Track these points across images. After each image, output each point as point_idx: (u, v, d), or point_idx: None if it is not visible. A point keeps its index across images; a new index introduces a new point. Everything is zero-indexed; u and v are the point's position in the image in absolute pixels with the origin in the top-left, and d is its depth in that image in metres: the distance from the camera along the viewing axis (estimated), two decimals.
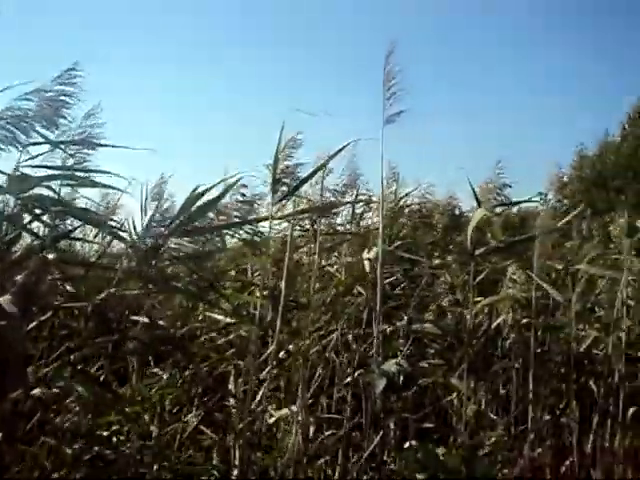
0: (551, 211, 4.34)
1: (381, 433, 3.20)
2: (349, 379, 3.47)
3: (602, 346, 4.06)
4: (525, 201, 4.48)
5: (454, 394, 3.61)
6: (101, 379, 2.64)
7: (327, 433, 3.31)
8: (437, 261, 4.22)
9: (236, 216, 3.15)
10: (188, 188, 2.70)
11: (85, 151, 2.54)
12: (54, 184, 2.52)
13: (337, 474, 3.22)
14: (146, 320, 2.58)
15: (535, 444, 3.68)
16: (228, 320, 3.18)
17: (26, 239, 2.55)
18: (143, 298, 2.79)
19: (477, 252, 3.57)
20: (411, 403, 3.58)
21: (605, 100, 28.75)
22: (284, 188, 3.04)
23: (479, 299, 3.68)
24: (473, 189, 3.68)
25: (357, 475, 3.15)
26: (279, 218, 3.14)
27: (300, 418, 3.06)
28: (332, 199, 3.75)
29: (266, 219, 3.02)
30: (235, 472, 2.93)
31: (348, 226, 4.33)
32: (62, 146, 2.52)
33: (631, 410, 3.82)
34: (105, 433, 2.73)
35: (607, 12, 28.72)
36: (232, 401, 3.09)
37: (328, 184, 3.73)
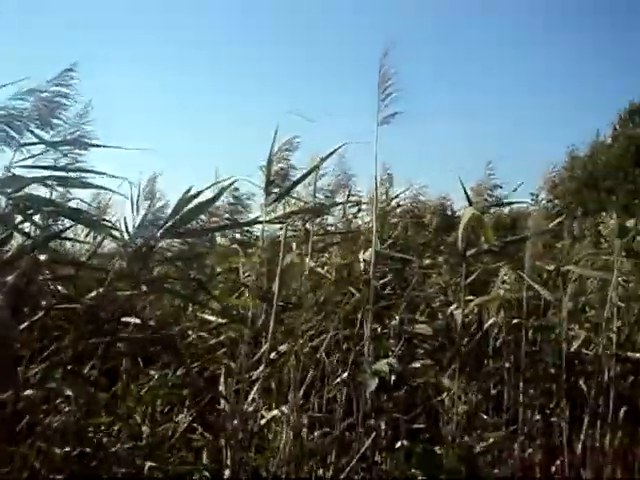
0: (543, 211, 4.35)
1: (373, 433, 3.20)
2: (340, 379, 3.47)
3: (592, 346, 4.09)
4: (516, 202, 4.51)
5: (445, 394, 3.62)
6: (92, 379, 2.63)
7: (318, 433, 3.32)
8: (428, 261, 4.23)
9: (227, 218, 3.14)
10: (183, 188, 2.70)
11: (78, 151, 2.53)
12: (47, 184, 2.52)
13: (328, 474, 3.22)
14: (137, 321, 2.57)
15: (525, 444, 3.69)
16: (219, 320, 3.18)
17: (17, 239, 2.54)
18: (135, 299, 2.79)
19: (469, 253, 3.58)
20: (402, 403, 3.58)
21: (605, 100, 28.85)
22: (277, 190, 3.04)
23: (470, 298, 3.70)
24: (465, 190, 3.70)
25: (349, 475, 3.15)
26: (271, 222, 3.14)
27: (292, 418, 3.07)
28: (324, 200, 3.75)
29: (258, 222, 3.03)
30: (227, 472, 2.93)
31: (340, 225, 4.34)
32: (56, 146, 2.50)
33: (622, 410, 3.85)
34: (96, 434, 2.72)
35: (607, 12, 28.83)
36: (223, 402, 3.08)
37: (322, 185, 3.74)
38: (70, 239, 3.14)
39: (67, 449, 2.47)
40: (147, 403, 3.08)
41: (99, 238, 3.17)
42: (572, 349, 3.97)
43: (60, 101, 2.44)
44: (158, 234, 2.53)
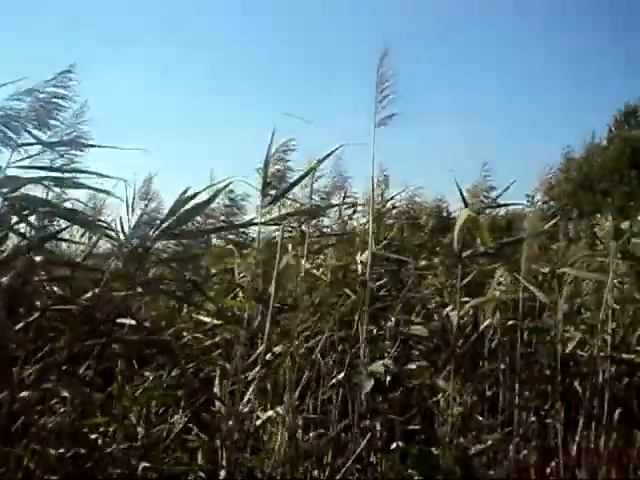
0: (539, 213, 4.36)
1: (368, 434, 3.20)
2: (335, 380, 3.47)
3: (587, 348, 4.10)
4: (512, 204, 4.52)
5: (440, 395, 3.62)
6: (87, 379, 2.62)
7: (313, 434, 3.32)
8: (424, 263, 4.23)
9: (223, 220, 3.14)
10: (179, 189, 2.70)
11: (74, 152, 2.53)
12: (43, 184, 2.52)
13: (324, 476, 3.22)
14: (133, 322, 2.57)
15: (521, 445, 3.70)
16: (215, 322, 3.17)
17: (13, 239, 2.53)
18: (130, 300, 2.78)
19: (464, 254, 3.59)
20: (398, 404, 3.58)
21: (605, 100, 28.88)
22: (274, 192, 3.04)
23: (466, 300, 3.70)
24: (460, 191, 3.70)
25: (344, 476, 3.15)
26: (267, 223, 3.14)
27: (287, 419, 3.07)
28: (320, 202, 3.75)
29: (254, 224, 3.03)
30: (222, 473, 2.92)
31: (335, 227, 4.34)
32: (53, 147, 2.50)
33: (617, 412, 3.86)
34: (91, 434, 2.72)
35: (607, 12, 28.87)
36: (217, 403, 3.08)
37: (319, 187, 3.74)
38: (66, 240, 3.14)
39: (62, 450, 2.47)
40: (142, 404, 3.08)
41: (94, 239, 3.18)
42: (567, 351, 3.98)
43: (57, 102, 2.43)
44: (154, 235, 2.53)
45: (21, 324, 2.28)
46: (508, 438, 3.66)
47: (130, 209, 2.92)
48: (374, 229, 3.41)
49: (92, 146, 2.56)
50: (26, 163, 2.40)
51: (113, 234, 2.69)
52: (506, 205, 4.52)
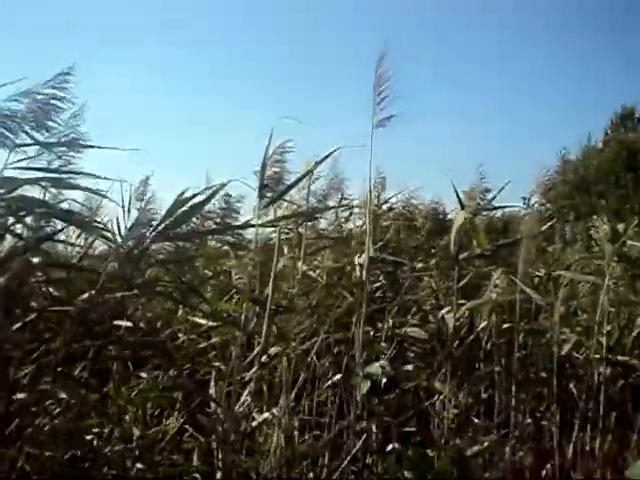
0: (536, 215, 4.37)
1: (364, 436, 3.21)
2: (331, 382, 3.47)
3: (583, 350, 4.11)
4: (508, 206, 4.53)
5: (436, 397, 3.63)
6: (82, 380, 2.62)
7: (308, 436, 3.32)
8: (420, 265, 4.23)
9: (218, 223, 3.14)
10: (176, 189, 2.70)
11: (72, 153, 2.52)
12: (41, 185, 2.51)
13: (319, 477, 3.22)
14: (129, 324, 2.57)
15: (516, 448, 3.70)
16: (211, 324, 3.17)
17: (9, 240, 2.53)
18: (127, 301, 2.78)
19: (461, 256, 3.60)
20: (394, 406, 3.59)
21: (606, 100, 28.92)
22: (270, 194, 3.04)
23: (462, 302, 3.71)
24: (457, 193, 3.71)
25: (339, 477, 3.15)
26: (264, 225, 3.14)
27: (283, 421, 3.06)
28: (317, 204, 3.75)
29: (251, 226, 3.02)
30: (218, 474, 2.92)
31: (331, 228, 4.34)
32: (51, 148, 2.50)
33: (614, 414, 3.87)
34: (86, 436, 2.71)
35: (607, 12, 28.92)
36: (213, 405, 3.08)
37: (316, 189, 3.74)
38: (62, 241, 3.13)
39: (57, 451, 2.46)
40: (138, 405, 3.08)
41: (90, 239, 3.18)
42: (563, 353, 3.99)
43: (55, 104, 2.43)
44: (150, 237, 2.53)
45: (17, 325, 2.27)
46: (504, 440, 3.67)
47: (126, 210, 2.92)
48: (371, 231, 3.41)
49: (90, 147, 2.56)
50: (23, 164, 2.40)
51: (109, 235, 2.69)
52: (502, 207, 4.54)
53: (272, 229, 3.47)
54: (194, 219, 2.94)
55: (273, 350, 3.22)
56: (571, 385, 3.99)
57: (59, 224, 2.74)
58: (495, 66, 29.80)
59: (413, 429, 3.61)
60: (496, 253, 3.83)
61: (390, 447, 3.37)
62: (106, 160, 2.69)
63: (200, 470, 2.99)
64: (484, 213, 4.27)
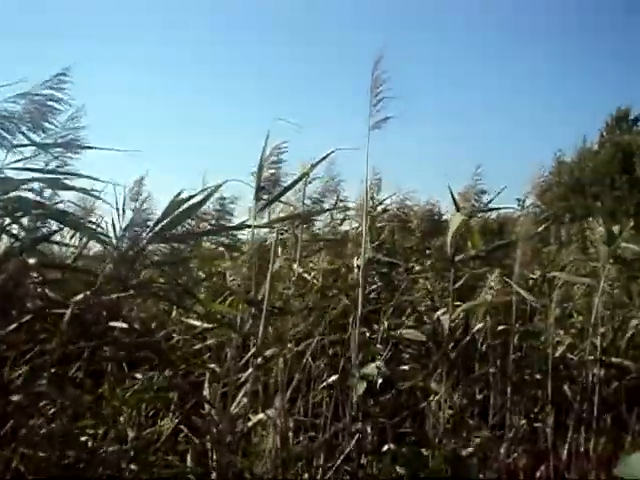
0: (531, 217, 4.38)
1: (360, 436, 3.21)
2: (327, 383, 3.48)
3: (577, 351, 4.12)
4: (503, 207, 4.54)
5: (432, 397, 3.63)
6: (77, 381, 2.62)
7: (304, 437, 3.32)
8: (417, 267, 4.24)
9: (213, 224, 3.14)
10: (173, 189, 2.70)
11: (69, 154, 2.52)
12: (36, 186, 2.52)
13: (314, 478, 3.22)
14: (124, 325, 2.57)
15: (511, 449, 3.71)
16: (206, 325, 3.17)
17: (4, 241, 2.53)
18: (122, 302, 2.78)
19: (457, 258, 3.60)
20: (390, 407, 3.59)
21: (606, 100, 28.99)
22: (267, 196, 3.04)
23: (457, 303, 3.71)
24: (453, 195, 3.72)
25: (334, 477, 3.16)
26: (261, 226, 3.14)
27: (278, 422, 3.06)
28: (313, 206, 3.76)
29: (248, 227, 3.03)
30: (213, 475, 2.92)
31: (327, 229, 4.35)
32: (47, 149, 2.50)
33: (608, 416, 3.89)
34: (81, 437, 2.71)
35: (608, 12, 29.00)
36: (207, 407, 3.08)
37: (312, 190, 3.75)
38: (57, 242, 3.13)
39: (51, 452, 2.46)
40: (132, 406, 3.07)
41: (85, 240, 3.17)
42: (557, 354, 4.00)
43: (52, 105, 2.43)
44: (146, 238, 2.53)
45: (13, 326, 2.27)
46: (499, 441, 3.67)
47: (121, 211, 2.91)
48: (367, 233, 3.42)
49: (88, 148, 2.56)
50: (20, 165, 2.40)
51: (104, 235, 2.69)
52: (497, 209, 4.54)
53: (266, 230, 3.48)
54: (189, 220, 2.94)
55: (269, 352, 3.22)
56: (565, 387, 4.00)
57: (54, 225, 2.74)
58: (495, 66, 29.87)
59: (409, 430, 3.62)
60: (492, 255, 3.84)
61: (385, 448, 3.37)
62: (105, 160, 2.69)
63: (194, 472, 2.99)
64: (479, 215, 4.28)
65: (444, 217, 4.59)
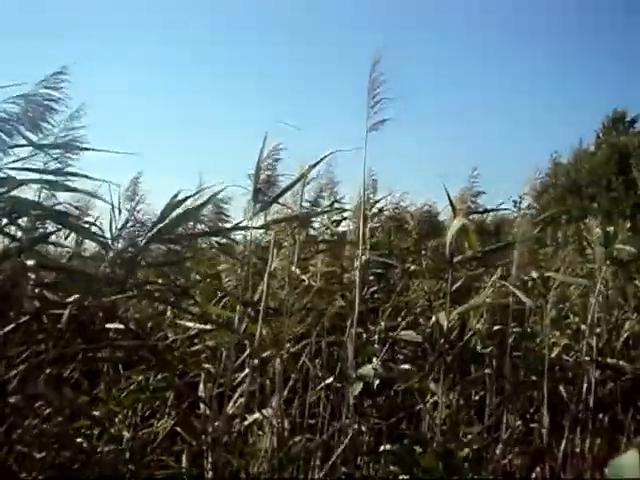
0: (528, 218, 4.39)
1: (351, 434, 3.21)
2: (323, 384, 3.48)
3: (572, 352, 4.14)
4: (499, 209, 4.54)
5: (428, 398, 3.64)
6: (73, 381, 2.62)
7: (299, 438, 3.32)
8: (413, 267, 4.24)
9: (210, 226, 3.14)
10: (174, 189, 2.70)
11: (68, 155, 2.52)
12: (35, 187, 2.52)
13: (311, 478, 3.23)
14: (120, 326, 2.56)
15: (507, 450, 3.72)
16: (205, 327, 3.17)
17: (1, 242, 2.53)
18: (119, 303, 2.78)
19: (455, 259, 3.61)
20: (386, 408, 3.60)
21: (606, 100, 29.02)
22: (264, 197, 3.05)
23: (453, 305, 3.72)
24: (449, 196, 3.72)
25: (329, 477, 3.16)
26: (259, 228, 3.15)
27: (275, 422, 3.07)
28: (310, 208, 3.76)
29: (245, 228, 3.03)
30: (209, 474, 2.92)
31: (322, 230, 4.35)
32: (45, 149, 2.49)
33: (604, 416, 3.90)
34: (76, 437, 2.71)
35: (608, 12, 29.02)
36: (202, 407, 3.08)
37: (309, 191, 3.75)
38: (53, 243, 3.12)
39: (47, 453, 2.46)
40: (128, 407, 3.07)
41: (80, 240, 3.17)
42: (553, 355, 4.01)
43: (49, 105, 2.42)
44: (144, 240, 2.53)
45: (10, 327, 2.27)
46: (495, 441, 3.68)
47: (117, 210, 2.91)
48: (364, 234, 3.42)
49: (86, 150, 2.56)
50: (18, 165, 2.39)
51: (100, 236, 2.69)
52: (493, 210, 4.55)
53: (262, 231, 3.48)
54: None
55: (266, 353, 3.23)
56: (561, 387, 4.01)
57: (50, 225, 2.74)
58: (495, 66, 29.88)
59: (405, 431, 3.62)
60: (490, 256, 3.85)
61: (382, 448, 3.38)
62: (105, 160, 2.69)
63: (188, 473, 3.00)
64: (475, 217, 4.29)
65: (440, 217, 4.59)
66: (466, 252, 3.73)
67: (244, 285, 3.13)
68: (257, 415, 3.11)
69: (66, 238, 3.41)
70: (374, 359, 3.37)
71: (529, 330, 4.05)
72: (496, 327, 3.93)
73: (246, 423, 3.09)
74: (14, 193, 2.34)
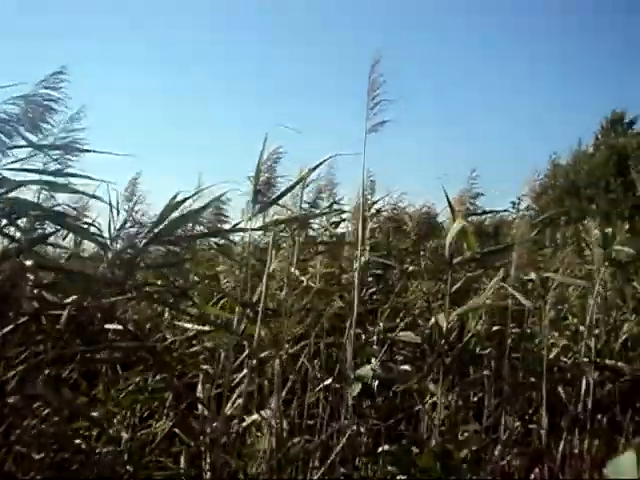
0: (527, 220, 4.40)
1: (348, 434, 3.21)
2: (322, 385, 3.48)
3: (571, 354, 4.14)
4: (498, 211, 4.55)
5: (427, 398, 3.64)
6: (71, 382, 2.62)
7: (298, 439, 3.32)
8: (411, 268, 4.25)
9: (209, 227, 3.14)
10: (174, 190, 2.71)
11: (68, 156, 2.52)
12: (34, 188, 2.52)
13: (309, 479, 3.23)
14: (119, 327, 2.56)
15: (505, 451, 3.72)
16: (203, 328, 3.17)
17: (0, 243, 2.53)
18: (119, 305, 2.78)
19: (455, 261, 3.61)
20: (385, 409, 3.60)
21: (606, 100, 29.02)
22: (263, 199, 3.05)
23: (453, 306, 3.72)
24: (448, 198, 3.72)
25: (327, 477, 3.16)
26: (258, 229, 3.15)
27: (273, 423, 3.07)
28: (309, 210, 3.76)
29: (244, 230, 3.03)
30: (208, 475, 2.92)
31: (323, 231, 4.35)
32: (45, 150, 2.49)
33: (602, 417, 3.90)
34: (75, 438, 2.71)
35: (608, 12, 29.03)
36: (201, 408, 3.08)
37: (308, 193, 3.75)
38: (51, 244, 3.12)
39: (45, 454, 2.46)
40: (126, 408, 3.07)
41: (78, 241, 3.17)
42: (551, 356, 4.01)
43: (49, 105, 2.42)
44: (143, 242, 2.53)
45: (9, 327, 2.27)
46: (493, 442, 3.68)
47: (115, 211, 2.90)
48: (364, 236, 3.42)
49: (86, 151, 2.55)
50: (17, 166, 2.39)
51: (99, 236, 2.69)
52: (492, 212, 4.55)
53: (260, 233, 3.48)
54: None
55: (265, 354, 3.23)
56: (560, 388, 4.02)
57: (49, 226, 2.73)
58: (495, 66, 29.88)
59: (404, 432, 3.62)
60: (488, 257, 3.85)
61: (380, 449, 3.38)
62: (104, 160, 2.69)
63: (186, 474, 2.99)
64: (473, 218, 4.29)
65: (440, 219, 4.60)
66: (465, 253, 3.73)
67: (243, 286, 3.13)
68: (255, 416, 3.11)
69: (64, 239, 3.41)
70: (373, 360, 3.37)
71: (528, 331, 4.05)
72: (495, 328, 3.93)
73: (244, 424, 3.09)
74: (13, 194, 2.34)
